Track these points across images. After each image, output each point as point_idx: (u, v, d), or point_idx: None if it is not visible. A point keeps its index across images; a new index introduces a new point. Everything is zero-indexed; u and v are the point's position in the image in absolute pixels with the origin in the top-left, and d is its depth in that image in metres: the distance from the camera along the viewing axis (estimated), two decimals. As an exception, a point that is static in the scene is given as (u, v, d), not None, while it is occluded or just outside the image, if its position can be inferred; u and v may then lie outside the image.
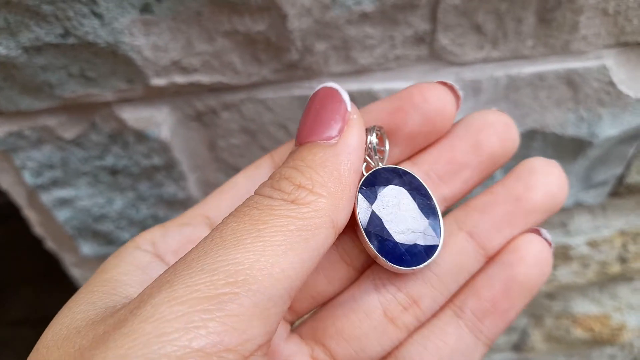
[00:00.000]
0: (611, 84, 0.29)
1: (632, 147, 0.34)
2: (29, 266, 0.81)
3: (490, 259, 0.22)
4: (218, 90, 0.29)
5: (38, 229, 0.37)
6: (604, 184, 0.36)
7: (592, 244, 0.41)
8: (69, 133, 0.30)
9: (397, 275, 0.22)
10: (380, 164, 0.22)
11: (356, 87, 0.29)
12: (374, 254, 0.21)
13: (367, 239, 0.21)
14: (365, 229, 0.21)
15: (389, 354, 0.22)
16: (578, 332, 0.50)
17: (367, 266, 0.23)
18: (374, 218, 0.21)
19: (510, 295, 0.21)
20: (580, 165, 0.34)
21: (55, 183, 0.33)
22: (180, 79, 0.28)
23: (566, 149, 0.32)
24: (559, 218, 0.39)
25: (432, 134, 0.22)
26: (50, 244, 0.38)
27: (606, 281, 0.45)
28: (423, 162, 0.23)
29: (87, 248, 0.37)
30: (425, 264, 0.21)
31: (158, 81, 0.28)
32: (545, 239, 0.22)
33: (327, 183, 0.18)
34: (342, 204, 0.18)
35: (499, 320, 0.21)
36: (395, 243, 0.21)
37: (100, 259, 0.38)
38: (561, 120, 0.31)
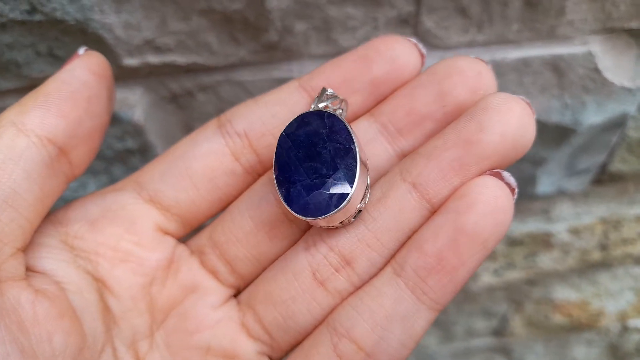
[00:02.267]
0: (596, 70, 0.29)
1: (616, 135, 0.33)
2: None
3: (435, 211, 0.19)
4: (194, 71, 0.28)
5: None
6: (587, 171, 0.36)
7: (573, 231, 0.41)
8: (38, 114, 0.29)
9: (328, 232, 0.19)
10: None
11: (337, 70, 0.28)
12: (281, 203, 0.19)
13: (275, 186, 0.19)
14: (276, 176, 0.19)
15: (321, 322, 0.20)
16: (557, 318, 0.50)
17: None
18: (285, 164, 0.19)
19: (459, 249, 0.17)
20: (563, 153, 0.33)
21: (24, 166, 0.31)
22: (154, 59, 0.27)
23: (550, 136, 0.32)
24: (540, 205, 0.39)
25: (396, 82, 0.20)
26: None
27: (586, 268, 0.45)
28: (381, 113, 0.20)
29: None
30: (328, 214, 0.18)
31: (131, 61, 0.26)
32: (508, 184, 0.18)
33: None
34: (33, 109, 0.19)
35: (445, 279, 0.18)
36: (300, 190, 0.19)
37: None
38: (545, 107, 0.30)
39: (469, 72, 0.19)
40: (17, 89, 0.28)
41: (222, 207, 0.22)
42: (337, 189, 0.18)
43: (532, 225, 0.40)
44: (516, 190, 0.18)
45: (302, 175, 0.19)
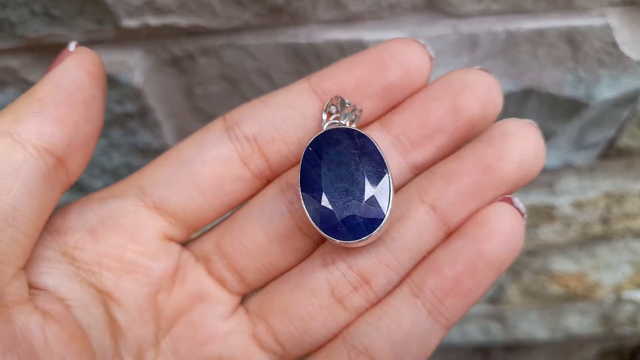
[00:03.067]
0: (613, 44, 0.28)
1: (627, 110, 0.33)
2: None
3: (451, 232, 0.19)
4: (196, 34, 0.27)
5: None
6: (595, 146, 0.35)
7: (577, 205, 0.40)
8: (35, 75, 0.28)
9: (347, 251, 0.20)
10: (349, 125, 0.20)
11: (345, 36, 0.27)
12: (309, 221, 0.19)
13: (303, 204, 0.19)
14: (303, 193, 0.19)
15: (335, 336, 0.20)
16: (554, 288, 0.51)
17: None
18: (315, 182, 0.19)
19: (476, 274, 0.18)
20: (573, 127, 0.33)
21: (21, 127, 0.31)
22: (154, 20, 0.26)
23: (561, 109, 0.31)
24: (545, 178, 0.39)
25: (408, 89, 0.20)
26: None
27: (586, 241, 0.45)
28: (393, 124, 0.20)
29: (57, 195, 0.35)
30: (362, 239, 0.18)
31: (130, 22, 0.25)
32: (518, 209, 0.19)
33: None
34: (28, 117, 0.17)
35: (461, 301, 0.19)
36: (332, 212, 0.19)
37: (72, 206, 0.37)
38: (559, 80, 0.29)
39: (481, 87, 0.20)
40: (12, 48, 0.27)
41: (228, 210, 0.22)
42: (370, 214, 0.18)
43: (536, 198, 0.40)
44: (525, 215, 0.19)
45: (334, 196, 0.19)
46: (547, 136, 0.33)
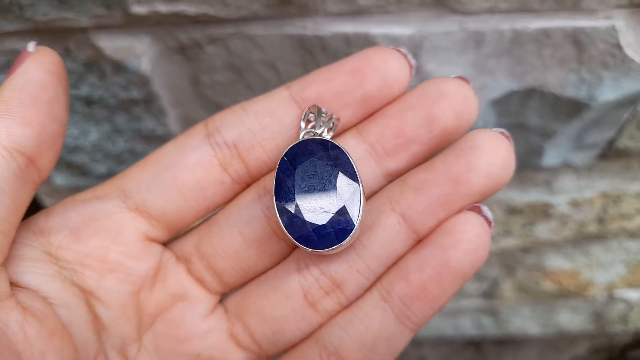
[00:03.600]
0: (618, 46, 0.28)
1: (627, 112, 0.33)
2: None
3: (420, 240, 0.20)
4: (204, 23, 0.27)
5: (8, 155, 0.35)
6: (594, 146, 0.36)
7: (574, 204, 0.41)
8: (41, 58, 0.28)
9: (320, 257, 0.21)
10: (326, 133, 0.21)
11: (352, 29, 0.27)
12: (282, 229, 0.20)
13: (277, 212, 0.19)
14: (277, 202, 0.19)
15: (308, 336, 0.21)
16: (547, 285, 0.51)
17: None
18: (289, 192, 0.20)
19: (442, 282, 0.19)
20: (573, 127, 0.33)
21: (25, 110, 0.31)
22: (163, 7, 0.26)
23: (563, 109, 0.31)
24: (544, 176, 0.39)
25: (387, 98, 0.21)
26: (21, 172, 0.36)
27: (581, 239, 0.45)
28: (369, 132, 0.21)
29: (60, 179, 0.35)
30: (331, 248, 0.19)
31: (139, 9, 0.25)
32: (486, 218, 0.19)
33: None
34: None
35: (428, 307, 0.20)
36: (304, 222, 0.19)
37: (74, 189, 0.37)
38: (562, 80, 0.30)
39: (457, 98, 0.20)
40: (19, 31, 0.27)
41: (208, 213, 0.22)
42: (341, 224, 0.19)
43: (533, 196, 0.40)
44: (493, 223, 0.20)
45: (306, 206, 0.19)
46: (548, 135, 0.33)
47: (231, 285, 0.22)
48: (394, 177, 0.21)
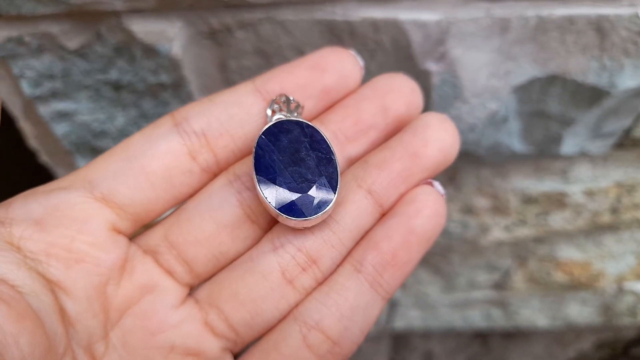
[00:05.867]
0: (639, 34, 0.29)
1: (646, 100, 0.33)
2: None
3: (385, 213, 0.22)
4: (235, 7, 0.28)
5: (33, 141, 0.35)
6: (611, 135, 0.36)
7: (588, 193, 0.41)
8: (73, 42, 0.29)
9: (296, 234, 0.21)
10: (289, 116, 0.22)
11: (381, 15, 0.28)
12: (264, 201, 0.20)
13: (258, 186, 0.20)
14: (257, 176, 0.20)
15: (286, 315, 0.22)
16: (558, 276, 0.52)
17: (274, 224, 0.22)
18: (269, 166, 0.20)
19: (410, 248, 0.21)
20: (592, 115, 0.34)
21: (54, 95, 0.31)
22: (197, -9, 0.26)
23: (583, 97, 0.32)
24: (560, 165, 0.40)
25: (343, 92, 0.23)
26: (44, 158, 0.37)
27: (594, 229, 0.46)
28: (330, 121, 0.22)
29: (84, 164, 0.35)
30: (315, 216, 0.20)
31: (173, -8, 0.26)
32: (438, 191, 0.22)
33: None
34: None
35: (397, 273, 0.21)
36: (287, 192, 0.20)
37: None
38: (584, 68, 0.30)
39: (405, 89, 0.23)
40: (53, 14, 0.27)
41: (175, 204, 0.22)
42: (322, 194, 0.20)
43: (549, 185, 0.41)
44: (444, 196, 0.22)
45: (288, 178, 0.20)
46: (568, 123, 0.34)
47: (201, 276, 0.22)
48: (353, 162, 0.23)
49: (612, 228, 0.46)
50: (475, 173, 0.40)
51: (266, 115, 0.22)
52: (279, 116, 0.22)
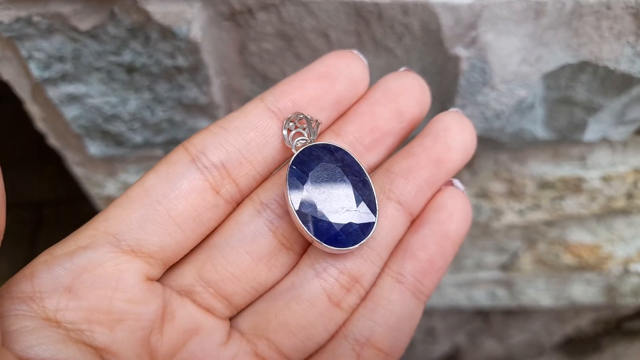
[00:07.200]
0: (678, 19, 0.27)
1: (674, 87, 0.33)
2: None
3: (414, 219, 0.22)
4: (258, -12, 0.26)
5: (40, 124, 0.34)
6: (634, 122, 0.36)
7: (606, 179, 0.41)
8: (84, 23, 0.27)
9: (336, 256, 0.21)
10: (312, 138, 0.21)
11: (411, -2, 0.27)
12: (309, 237, 0.20)
13: (299, 221, 0.20)
14: (297, 211, 0.20)
15: (334, 334, 0.22)
16: (566, 258, 0.52)
17: (307, 247, 0.22)
18: (306, 198, 0.20)
19: (445, 252, 0.22)
20: (620, 102, 0.33)
21: (64, 77, 0.29)
22: (219, -29, 0.24)
23: (613, 84, 0.31)
24: (579, 151, 0.39)
25: (355, 97, 0.22)
26: (53, 141, 0.35)
27: (606, 214, 0.46)
28: (347, 132, 0.22)
29: (94, 148, 0.34)
30: (361, 242, 0.20)
31: (195, -28, 0.24)
32: (460, 189, 0.22)
33: None
34: None
35: (435, 277, 0.22)
36: (330, 223, 0.20)
37: (108, 160, 0.36)
38: (617, 54, 0.29)
39: (416, 89, 0.22)
40: (65, -8, 0.25)
41: (201, 239, 0.22)
42: (364, 219, 0.20)
43: (567, 170, 0.40)
44: (465, 192, 0.22)
45: (328, 208, 0.20)
46: (594, 110, 0.33)
47: (239, 307, 0.22)
48: (372, 170, 0.22)
49: (625, 212, 0.46)
50: (494, 158, 0.39)
51: (282, 135, 0.21)
52: (302, 140, 0.21)
